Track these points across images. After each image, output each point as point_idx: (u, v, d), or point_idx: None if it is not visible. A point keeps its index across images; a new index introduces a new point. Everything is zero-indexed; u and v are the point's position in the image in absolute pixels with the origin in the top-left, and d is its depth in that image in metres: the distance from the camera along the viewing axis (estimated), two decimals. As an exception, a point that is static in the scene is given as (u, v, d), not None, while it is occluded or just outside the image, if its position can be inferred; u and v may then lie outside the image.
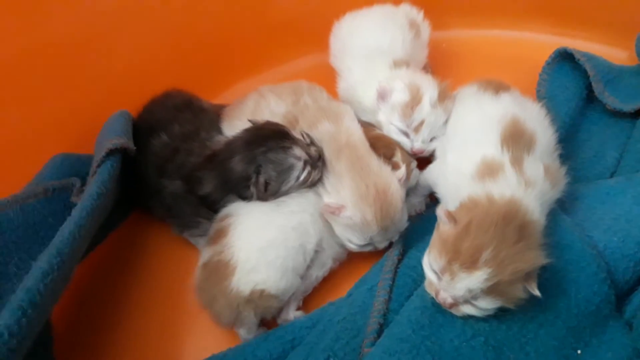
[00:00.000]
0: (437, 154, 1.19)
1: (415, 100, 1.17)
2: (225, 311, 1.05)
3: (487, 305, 0.87)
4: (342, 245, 1.14)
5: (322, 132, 1.16)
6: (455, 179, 1.04)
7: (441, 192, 1.11)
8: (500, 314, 0.90)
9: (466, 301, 0.88)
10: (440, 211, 0.92)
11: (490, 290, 0.84)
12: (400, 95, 1.18)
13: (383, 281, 1.03)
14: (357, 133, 1.17)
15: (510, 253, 0.84)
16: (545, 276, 0.92)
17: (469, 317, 0.91)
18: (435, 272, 0.90)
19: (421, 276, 1.02)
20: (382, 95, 1.20)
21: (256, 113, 1.25)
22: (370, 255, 1.14)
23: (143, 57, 1.44)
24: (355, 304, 1.01)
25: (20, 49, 1.22)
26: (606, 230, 0.99)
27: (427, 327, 0.91)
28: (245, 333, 1.08)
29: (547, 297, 0.91)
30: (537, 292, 0.85)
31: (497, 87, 1.16)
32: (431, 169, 1.17)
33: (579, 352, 0.91)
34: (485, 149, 1.01)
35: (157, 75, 1.41)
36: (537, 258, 0.87)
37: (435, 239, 0.93)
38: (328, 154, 1.13)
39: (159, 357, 1.11)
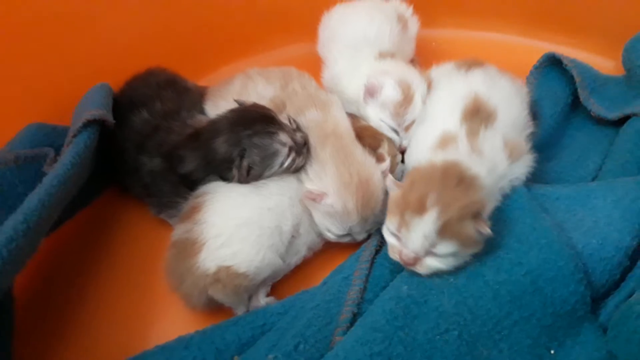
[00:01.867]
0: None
1: (407, 99, 1.15)
2: (192, 291, 1.03)
3: (445, 250, 0.90)
4: (319, 234, 1.13)
5: (309, 120, 1.15)
6: (418, 153, 1.09)
7: None
8: (475, 308, 0.90)
9: (427, 253, 0.92)
10: (388, 181, 0.99)
11: (444, 232, 0.89)
12: (391, 93, 1.16)
13: (359, 271, 1.02)
14: (344, 123, 1.16)
15: (453, 193, 0.90)
16: (521, 272, 0.92)
17: (443, 310, 0.90)
18: (394, 234, 0.95)
19: (398, 268, 1.02)
20: (371, 92, 1.18)
21: (242, 94, 1.23)
22: (346, 246, 1.13)
23: (129, 34, 1.42)
24: (329, 292, 1.00)
25: (3, 17, 1.19)
26: (586, 233, 0.99)
27: (400, 318, 0.90)
28: (239, 311, 1.07)
29: (523, 294, 0.91)
30: (487, 230, 0.89)
31: (470, 65, 1.19)
32: (409, 153, 1.19)
33: (552, 352, 0.90)
34: (447, 124, 1.07)
35: (142, 54, 1.39)
36: (478, 198, 0.92)
37: (388, 206, 0.98)
38: (313, 141, 1.12)
39: (125, 337, 1.09)
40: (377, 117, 1.19)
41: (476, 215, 0.90)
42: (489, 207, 0.98)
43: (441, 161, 0.97)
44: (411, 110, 1.15)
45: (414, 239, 0.90)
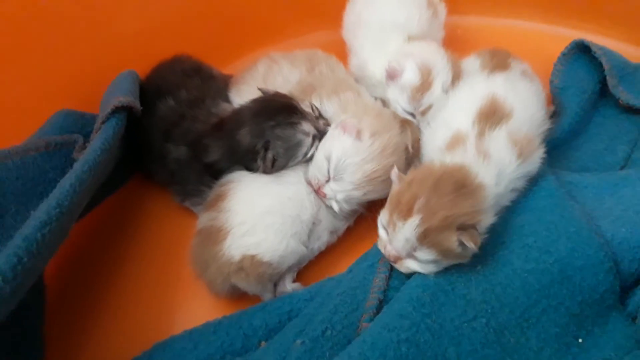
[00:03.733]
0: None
1: (425, 84, 1.14)
2: (216, 278, 1.04)
3: (424, 256, 0.91)
4: (338, 218, 1.13)
5: (343, 100, 1.14)
6: (429, 152, 1.10)
7: None
8: (503, 296, 0.89)
9: (408, 254, 0.93)
10: (393, 174, 0.98)
11: (423, 239, 0.88)
12: (410, 77, 1.15)
13: (384, 258, 1.02)
14: (384, 108, 1.17)
15: (440, 201, 0.89)
16: (550, 261, 0.92)
17: (470, 298, 0.90)
18: (384, 228, 0.96)
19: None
20: (392, 75, 1.17)
21: (267, 78, 1.23)
22: (371, 234, 1.12)
23: (154, 21, 1.42)
24: (355, 279, 1.00)
25: (32, 6, 1.20)
26: (614, 221, 0.98)
27: (428, 305, 0.90)
28: (266, 298, 1.08)
29: (551, 283, 0.90)
30: (472, 246, 0.87)
31: (496, 66, 1.18)
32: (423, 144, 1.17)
33: (580, 340, 0.90)
34: (461, 125, 1.04)
35: (167, 41, 1.39)
36: (469, 210, 0.89)
37: (387, 199, 0.98)
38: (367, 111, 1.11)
39: (152, 322, 1.10)
40: (395, 100, 1.18)
41: (464, 227, 0.88)
42: (490, 216, 0.95)
43: (443, 164, 0.96)
44: (428, 95, 1.14)
45: (397, 240, 0.92)
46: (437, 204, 0.88)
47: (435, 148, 1.06)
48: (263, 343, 0.98)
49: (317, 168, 1.07)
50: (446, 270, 0.94)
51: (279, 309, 1.02)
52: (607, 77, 1.28)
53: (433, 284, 0.93)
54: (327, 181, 1.06)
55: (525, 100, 1.10)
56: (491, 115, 1.04)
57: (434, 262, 0.92)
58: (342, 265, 1.09)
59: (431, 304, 0.90)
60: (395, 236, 0.92)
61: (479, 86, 1.12)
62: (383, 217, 0.96)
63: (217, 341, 0.98)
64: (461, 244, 0.88)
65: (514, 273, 0.92)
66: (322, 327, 0.92)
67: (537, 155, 1.05)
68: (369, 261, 1.04)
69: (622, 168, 1.19)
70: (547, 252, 0.93)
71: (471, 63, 1.24)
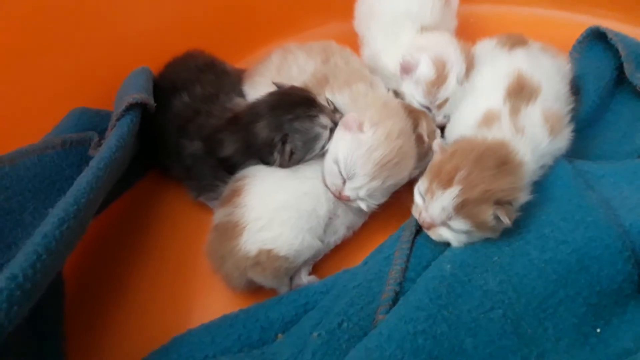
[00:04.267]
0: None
1: (440, 78, 1.14)
2: (233, 273, 1.05)
3: (458, 226, 0.94)
4: (357, 213, 1.13)
5: (355, 91, 1.13)
6: (460, 130, 1.10)
7: None
8: (520, 287, 0.89)
9: (443, 223, 0.96)
10: (435, 143, 1.02)
11: (460, 209, 0.92)
12: (425, 71, 1.14)
13: (400, 250, 1.02)
14: (397, 100, 1.16)
15: (482, 175, 0.92)
16: (567, 251, 0.91)
17: (487, 289, 0.90)
18: (421, 195, 0.99)
19: (439, 249, 1.02)
20: (406, 69, 1.17)
21: (282, 69, 1.22)
22: (386, 227, 1.13)
23: (166, 18, 1.43)
24: (371, 272, 1.00)
25: (46, 5, 1.21)
26: (632, 210, 0.96)
27: (444, 296, 0.90)
28: (282, 291, 1.08)
29: (568, 273, 0.90)
30: (507, 221, 0.90)
31: (514, 43, 1.19)
32: (451, 127, 1.18)
33: (598, 330, 0.89)
34: (491, 103, 1.07)
35: (179, 37, 1.39)
36: (509, 187, 0.92)
37: (427, 168, 1.01)
38: (372, 102, 1.10)
39: (169, 316, 1.11)
40: (410, 94, 1.18)
41: (501, 203, 0.91)
42: (526, 194, 0.97)
43: (485, 139, 0.98)
44: (444, 89, 1.14)
45: (434, 208, 0.95)
46: (478, 177, 0.91)
47: (468, 125, 1.07)
48: (280, 336, 0.99)
49: (330, 174, 1.06)
50: (462, 261, 0.94)
51: (295, 302, 1.02)
52: (624, 64, 1.25)
53: (449, 275, 0.93)
54: (344, 183, 1.05)
55: (550, 76, 1.12)
56: (520, 91, 1.06)
57: (467, 233, 0.95)
58: (358, 258, 1.10)
59: (448, 296, 0.90)
60: (432, 204, 0.95)
61: (503, 63, 1.14)
62: (421, 185, 0.99)
63: (234, 334, 0.99)
64: (496, 218, 0.91)
65: (530, 263, 0.91)
66: (338, 319, 0.92)
67: (567, 131, 1.08)
68: (384, 253, 1.04)
69: (639, 156, 1.17)
70: (564, 242, 0.92)
71: (486, 44, 1.24)
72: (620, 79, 1.31)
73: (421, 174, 1.03)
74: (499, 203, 0.91)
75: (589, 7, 1.56)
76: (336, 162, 1.04)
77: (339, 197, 1.06)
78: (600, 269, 0.90)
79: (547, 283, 0.89)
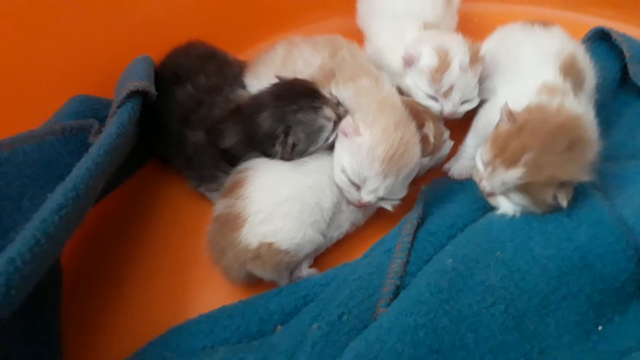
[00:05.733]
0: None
1: (444, 65, 1.13)
2: (233, 265, 1.04)
3: (518, 199, 0.95)
4: (362, 211, 1.12)
5: (359, 86, 1.12)
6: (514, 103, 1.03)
7: None
8: (522, 283, 0.89)
9: (502, 193, 0.96)
10: (502, 109, 0.97)
11: (522, 188, 0.92)
12: (428, 60, 1.14)
13: (401, 244, 1.01)
14: (397, 95, 1.15)
15: (552, 160, 0.89)
16: (570, 248, 0.91)
17: (489, 284, 0.89)
18: (483, 163, 0.98)
19: (441, 244, 1.01)
20: (409, 62, 1.17)
21: (287, 62, 1.21)
22: (388, 221, 1.12)
23: (168, 7, 1.42)
24: (372, 265, 1.00)
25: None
26: (636, 209, 0.96)
27: (446, 291, 0.89)
28: (282, 283, 1.07)
29: (571, 270, 0.89)
30: (564, 204, 0.91)
31: (543, 23, 1.21)
32: (485, 112, 1.17)
33: (600, 327, 0.89)
34: (545, 76, 1.05)
35: (181, 27, 1.39)
36: (577, 172, 0.91)
37: (492, 133, 0.98)
38: (364, 102, 1.09)
39: (168, 307, 1.10)
40: (415, 85, 1.17)
41: (563, 185, 0.91)
42: (588, 174, 0.96)
43: (562, 108, 0.96)
44: (448, 75, 1.13)
45: (494, 180, 0.94)
46: (546, 162, 0.90)
47: (523, 98, 1.01)
48: (279, 327, 0.98)
49: (343, 184, 1.05)
50: (464, 256, 0.94)
51: (295, 294, 1.02)
52: (628, 65, 1.26)
53: (451, 270, 0.92)
54: (359, 190, 1.04)
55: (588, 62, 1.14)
56: (573, 69, 1.07)
57: (524, 206, 0.96)
58: (359, 252, 1.09)
59: (449, 290, 0.90)
60: (494, 177, 0.94)
61: (544, 39, 1.16)
62: (485, 154, 0.97)
63: (233, 325, 0.98)
64: (554, 198, 0.91)
65: (533, 259, 0.91)
66: (338, 311, 0.92)
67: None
68: (385, 246, 1.03)
69: (642, 156, 1.17)
70: (567, 239, 0.92)
71: (510, 26, 1.27)
72: (623, 80, 1.31)
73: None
74: (562, 185, 0.91)
75: (594, 7, 1.56)
76: (344, 172, 1.03)
77: (360, 206, 1.05)
78: (603, 266, 0.90)
79: (550, 279, 0.89)
